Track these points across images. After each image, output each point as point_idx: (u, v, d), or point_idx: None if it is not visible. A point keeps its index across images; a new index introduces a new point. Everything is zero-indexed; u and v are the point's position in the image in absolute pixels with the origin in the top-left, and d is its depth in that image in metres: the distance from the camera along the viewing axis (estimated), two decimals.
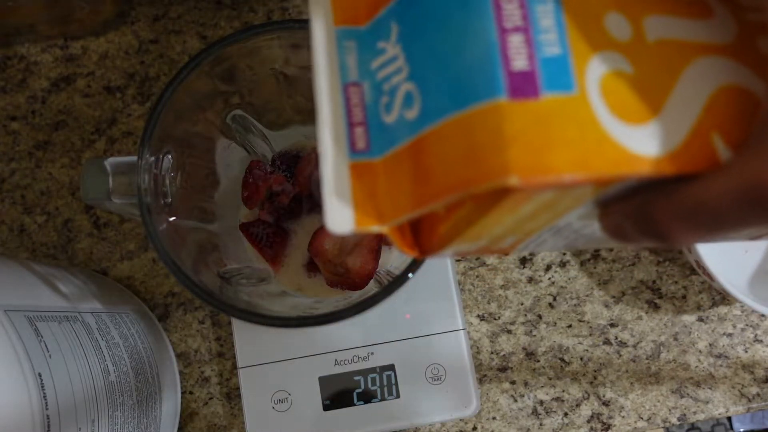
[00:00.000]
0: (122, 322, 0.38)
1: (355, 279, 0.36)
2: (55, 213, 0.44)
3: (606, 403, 0.42)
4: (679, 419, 0.42)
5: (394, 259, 0.38)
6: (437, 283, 0.40)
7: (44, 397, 0.28)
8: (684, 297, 0.43)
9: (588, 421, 0.42)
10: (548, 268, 0.43)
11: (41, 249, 0.44)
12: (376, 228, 0.17)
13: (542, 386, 0.42)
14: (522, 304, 0.43)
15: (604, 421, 0.42)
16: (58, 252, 0.44)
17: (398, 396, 0.39)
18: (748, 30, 0.17)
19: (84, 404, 0.31)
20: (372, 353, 0.39)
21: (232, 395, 0.43)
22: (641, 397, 0.42)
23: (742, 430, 1.17)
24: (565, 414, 0.42)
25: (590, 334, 0.43)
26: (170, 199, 0.30)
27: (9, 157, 0.45)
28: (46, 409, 0.28)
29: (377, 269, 0.37)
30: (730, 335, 0.43)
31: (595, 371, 0.42)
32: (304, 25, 0.28)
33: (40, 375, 0.28)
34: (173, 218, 0.30)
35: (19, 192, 0.44)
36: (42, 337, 0.30)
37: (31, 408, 0.27)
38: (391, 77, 0.17)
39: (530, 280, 0.43)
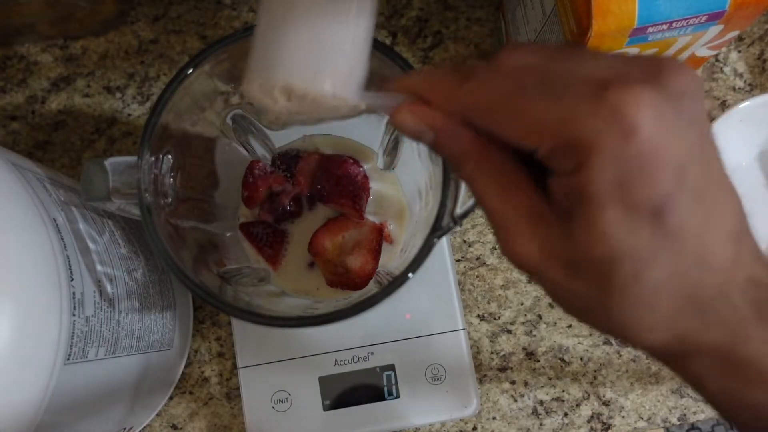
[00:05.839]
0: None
1: (355, 279, 0.36)
2: None
3: (606, 403, 0.42)
4: (679, 419, 0.42)
5: (394, 259, 0.38)
6: (437, 283, 0.40)
7: (61, 239, 0.27)
8: None
9: (588, 421, 0.42)
10: None
11: None
12: None
13: (542, 386, 0.42)
14: (522, 304, 0.43)
15: (604, 421, 0.42)
16: None
17: (398, 396, 0.39)
18: None
19: (99, 260, 0.30)
20: (372, 353, 0.39)
21: (232, 395, 0.43)
22: (641, 397, 0.42)
23: None
24: (565, 414, 0.42)
25: (590, 334, 0.43)
26: (170, 199, 0.30)
27: None
28: (65, 249, 0.27)
29: (377, 269, 0.37)
30: None
31: (595, 371, 0.42)
32: None
33: (54, 220, 0.28)
34: (173, 218, 0.30)
35: None
36: (51, 193, 0.29)
37: (51, 243, 0.26)
38: None
39: (530, 280, 0.43)
